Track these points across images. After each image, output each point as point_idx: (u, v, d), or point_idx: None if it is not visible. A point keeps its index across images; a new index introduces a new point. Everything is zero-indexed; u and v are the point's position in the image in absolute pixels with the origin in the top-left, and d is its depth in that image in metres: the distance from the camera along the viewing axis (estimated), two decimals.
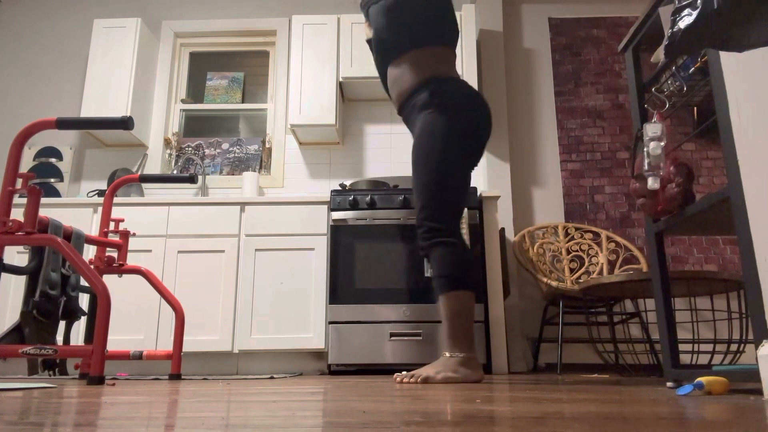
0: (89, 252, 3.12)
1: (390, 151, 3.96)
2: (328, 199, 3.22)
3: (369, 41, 2.30)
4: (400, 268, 3.04)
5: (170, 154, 4.03)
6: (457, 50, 3.70)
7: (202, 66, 4.28)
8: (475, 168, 2.22)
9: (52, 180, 3.86)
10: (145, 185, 3.86)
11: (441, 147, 1.96)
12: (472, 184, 3.85)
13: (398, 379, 1.85)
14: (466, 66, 3.64)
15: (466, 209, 3.07)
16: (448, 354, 1.86)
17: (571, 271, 3.51)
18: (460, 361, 1.83)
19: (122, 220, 2.55)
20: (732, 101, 1.25)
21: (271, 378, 2.42)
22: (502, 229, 3.53)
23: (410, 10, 2.09)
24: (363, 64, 3.71)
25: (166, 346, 3.04)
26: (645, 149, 1.54)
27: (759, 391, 1.32)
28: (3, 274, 2.90)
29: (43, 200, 3.27)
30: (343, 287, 3.02)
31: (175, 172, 3.99)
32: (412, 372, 1.85)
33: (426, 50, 2.10)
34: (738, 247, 2.24)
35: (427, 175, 1.96)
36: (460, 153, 1.99)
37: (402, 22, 2.09)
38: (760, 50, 1.15)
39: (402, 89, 2.13)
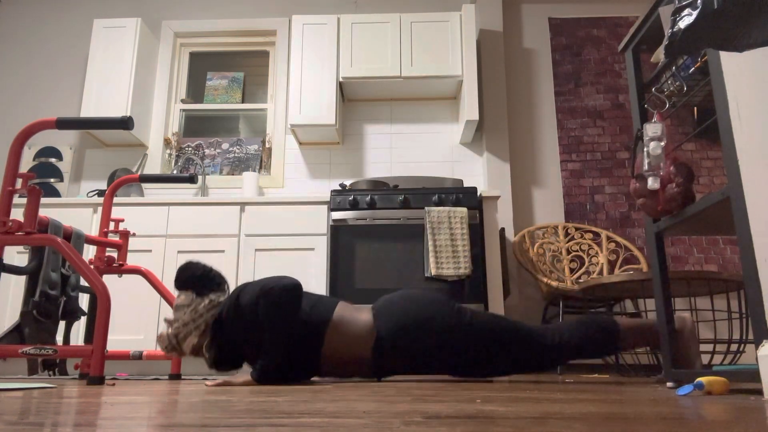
0: (89, 252, 3.12)
1: (390, 151, 3.96)
2: (328, 199, 3.22)
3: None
4: (400, 268, 3.04)
5: (170, 154, 4.03)
6: (457, 50, 3.70)
7: (202, 66, 4.28)
8: None
9: (52, 180, 3.86)
10: (145, 185, 3.85)
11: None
12: (473, 183, 3.85)
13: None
14: (466, 66, 3.64)
15: (465, 209, 3.07)
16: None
17: (571, 271, 3.51)
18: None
19: (122, 220, 2.55)
20: (732, 101, 1.25)
21: None
22: (502, 229, 3.53)
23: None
24: (363, 64, 3.71)
25: None
26: (645, 149, 1.54)
27: (759, 391, 1.32)
28: (3, 274, 2.90)
29: (43, 200, 3.27)
30: (343, 287, 3.02)
31: (175, 172, 3.99)
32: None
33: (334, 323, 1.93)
34: (738, 247, 2.24)
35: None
36: None
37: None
38: (760, 50, 1.15)
39: (351, 372, 1.97)
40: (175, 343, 1.94)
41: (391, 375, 1.99)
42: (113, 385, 1.78)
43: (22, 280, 3.07)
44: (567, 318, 3.21)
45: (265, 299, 1.81)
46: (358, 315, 1.95)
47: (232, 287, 3.13)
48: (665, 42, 0.91)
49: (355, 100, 4.04)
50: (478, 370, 1.92)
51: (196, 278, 1.99)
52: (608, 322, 1.87)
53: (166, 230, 3.21)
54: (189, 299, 1.96)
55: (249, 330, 1.86)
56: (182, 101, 4.15)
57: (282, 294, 1.82)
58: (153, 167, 3.93)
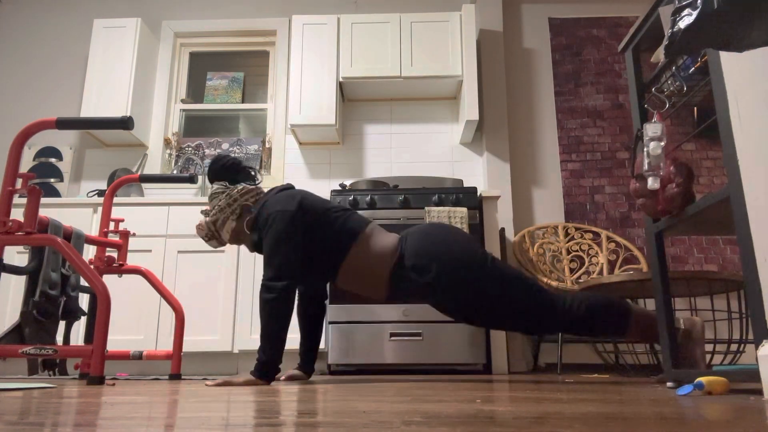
0: (89, 252, 3.12)
1: (390, 151, 3.96)
2: (328, 199, 3.22)
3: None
4: None
5: (170, 154, 4.03)
6: (457, 50, 3.70)
7: (202, 66, 4.28)
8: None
9: (52, 180, 3.86)
10: (145, 185, 3.85)
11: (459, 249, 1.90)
12: (473, 183, 3.85)
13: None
14: (466, 66, 3.64)
15: (465, 209, 3.07)
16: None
17: (571, 271, 3.51)
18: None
19: (122, 220, 2.55)
20: (732, 101, 1.25)
21: None
22: (502, 229, 3.53)
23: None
24: (363, 64, 3.71)
25: (166, 346, 3.04)
26: (645, 149, 1.54)
27: (759, 391, 1.32)
28: (3, 274, 2.90)
29: (43, 200, 3.27)
30: None
31: (175, 172, 3.99)
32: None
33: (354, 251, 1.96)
34: (738, 247, 2.24)
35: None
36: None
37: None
38: (760, 50, 1.15)
39: (366, 290, 2.00)
40: (214, 230, 2.02)
41: (402, 300, 2.00)
42: (113, 385, 1.78)
43: (22, 280, 3.07)
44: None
45: (266, 293, 1.82)
46: (386, 236, 1.99)
47: (231, 288, 3.13)
48: (665, 42, 0.91)
49: (355, 100, 4.04)
50: (485, 316, 1.89)
51: (226, 167, 2.08)
52: (623, 306, 1.87)
53: (166, 230, 3.21)
54: (222, 187, 2.05)
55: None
56: (182, 101, 4.15)
57: (282, 293, 1.82)
58: (153, 167, 3.93)
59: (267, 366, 1.80)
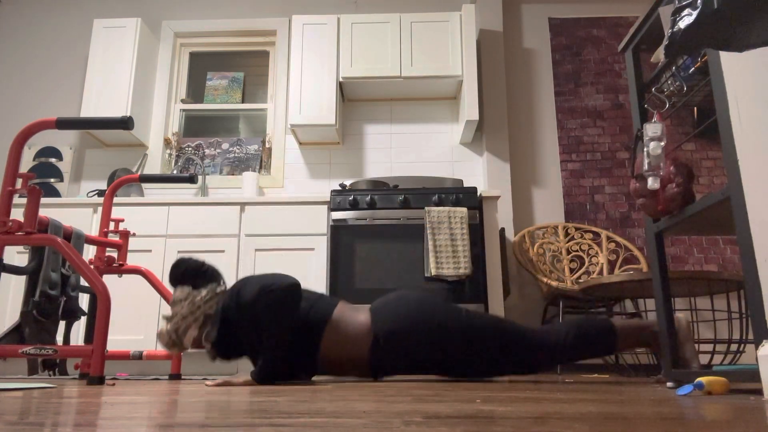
0: (89, 252, 3.12)
1: (390, 151, 3.96)
2: (328, 199, 3.22)
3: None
4: (400, 268, 3.04)
5: (170, 154, 4.03)
6: (457, 50, 3.70)
7: (202, 66, 4.28)
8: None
9: (52, 180, 3.86)
10: (145, 185, 3.85)
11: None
12: (473, 183, 3.85)
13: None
14: (466, 66, 3.64)
15: (465, 209, 3.07)
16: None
17: (571, 271, 3.51)
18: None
19: (122, 220, 2.55)
20: (732, 101, 1.25)
21: None
22: (502, 229, 3.53)
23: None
24: (363, 64, 3.71)
25: None
26: (645, 149, 1.54)
27: (759, 391, 1.32)
28: (3, 274, 2.90)
29: (43, 200, 3.27)
30: (343, 287, 3.02)
31: (175, 172, 3.99)
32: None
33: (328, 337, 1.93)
34: (738, 247, 2.24)
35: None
36: None
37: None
38: (760, 50, 1.15)
39: (348, 371, 1.98)
40: (176, 337, 1.94)
41: (389, 375, 2.00)
42: (113, 385, 1.78)
43: (22, 280, 3.07)
44: (566, 318, 3.21)
45: (265, 298, 1.81)
46: (357, 315, 1.95)
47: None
48: (665, 42, 0.91)
49: (355, 100, 4.04)
50: (474, 371, 1.93)
51: (190, 272, 1.99)
52: (604, 325, 1.88)
53: (166, 230, 3.21)
54: (185, 293, 1.96)
55: (249, 326, 1.86)
56: (182, 101, 4.15)
57: (281, 294, 1.82)
58: (153, 167, 3.93)
59: (268, 370, 1.80)
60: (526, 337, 1.87)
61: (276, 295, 1.81)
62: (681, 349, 1.78)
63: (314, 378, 2.25)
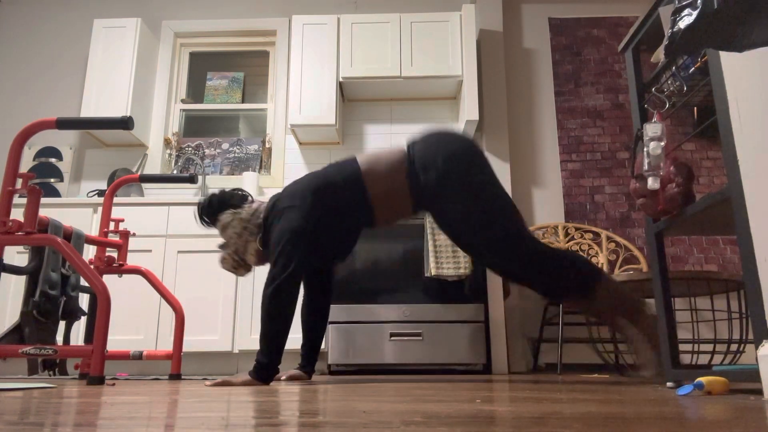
0: (89, 252, 3.12)
1: None
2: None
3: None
4: (400, 268, 3.04)
5: (170, 154, 4.03)
6: (457, 50, 3.70)
7: (202, 66, 4.28)
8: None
9: (52, 180, 3.86)
10: (145, 185, 3.85)
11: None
12: None
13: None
14: (466, 66, 3.64)
15: None
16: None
17: None
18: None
19: (122, 220, 2.55)
20: (732, 101, 1.25)
21: None
22: None
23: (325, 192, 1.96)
24: (363, 64, 3.71)
25: (166, 346, 3.04)
26: (645, 149, 1.54)
27: (759, 391, 1.32)
28: (3, 274, 2.90)
29: (43, 200, 3.27)
30: (343, 287, 3.02)
31: (175, 172, 3.99)
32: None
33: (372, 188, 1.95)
34: (738, 247, 2.24)
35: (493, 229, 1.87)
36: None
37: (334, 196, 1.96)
38: (760, 50, 1.15)
39: (400, 207, 1.99)
40: (238, 258, 2.02)
41: (430, 205, 1.96)
42: (113, 385, 1.78)
43: (22, 280, 3.07)
44: (563, 318, 3.21)
45: (267, 290, 1.83)
46: (388, 152, 1.98)
47: (231, 288, 3.13)
48: (665, 42, 0.91)
49: (355, 100, 4.04)
50: (485, 233, 1.87)
51: (220, 200, 2.09)
52: (592, 269, 1.85)
53: (166, 230, 3.21)
54: (230, 216, 2.03)
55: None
56: (182, 101, 4.15)
57: (284, 288, 1.82)
58: (153, 167, 3.93)
59: (266, 369, 1.80)
60: (521, 229, 1.87)
61: (284, 289, 1.83)
62: (637, 345, 1.77)
63: (313, 378, 2.25)
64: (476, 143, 1.98)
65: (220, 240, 3.19)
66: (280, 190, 3.87)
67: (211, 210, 2.08)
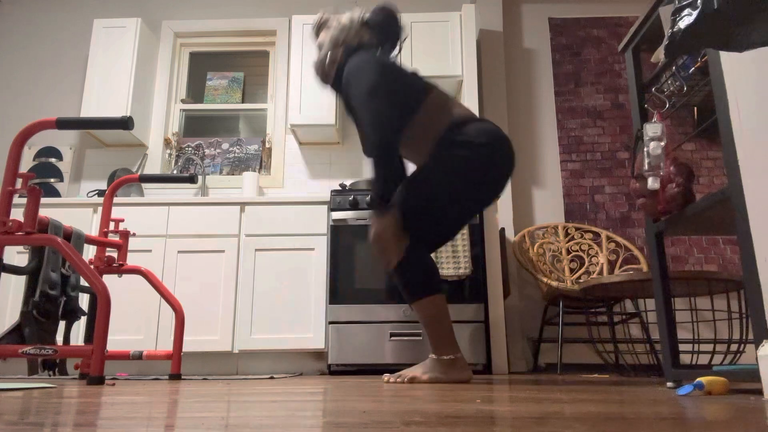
0: (89, 252, 3.12)
1: None
2: (328, 199, 3.22)
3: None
4: None
5: (170, 154, 4.03)
6: (457, 50, 3.70)
7: (202, 66, 4.28)
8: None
9: (52, 180, 3.86)
10: (145, 185, 3.85)
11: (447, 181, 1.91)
12: None
13: (386, 379, 1.89)
14: (466, 66, 3.64)
15: None
16: (434, 356, 1.87)
17: (571, 271, 3.51)
18: (447, 363, 1.84)
19: (122, 220, 2.55)
20: (732, 101, 1.25)
21: (271, 378, 2.42)
22: (502, 229, 3.53)
23: (386, 92, 1.98)
24: None
25: (166, 346, 3.04)
26: (645, 149, 1.54)
27: (759, 391, 1.32)
28: (3, 274, 2.90)
29: (43, 200, 3.27)
30: (343, 287, 3.02)
31: (175, 172, 3.99)
32: (400, 372, 1.87)
33: (424, 109, 2.00)
34: (738, 247, 2.24)
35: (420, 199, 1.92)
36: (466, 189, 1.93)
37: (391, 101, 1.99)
38: (760, 50, 1.15)
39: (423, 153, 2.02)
40: (327, 60, 2.08)
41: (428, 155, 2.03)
42: (113, 385, 1.78)
43: (22, 280, 3.07)
44: (563, 318, 3.21)
45: (378, 145, 1.85)
46: (453, 102, 2.02)
47: (231, 288, 3.13)
48: (665, 42, 0.91)
49: None
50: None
51: (387, 24, 2.12)
52: (435, 283, 1.89)
53: (166, 230, 3.21)
54: (332, 18, 2.12)
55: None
56: (182, 101, 4.15)
57: (381, 149, 1.86)
58: (153, 167, 3.93)
59: (378, 198, 1.87)
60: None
61: (385, 146, 1.86)
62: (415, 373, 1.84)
63: (313, 378, 2.24)
64: (505, 174, 1.98)
65: (219, 239, 3.19)
66: (280, 190, 3.87)
67: (381, 15, 2.12)
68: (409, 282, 1.88)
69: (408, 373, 1.84)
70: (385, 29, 2.12)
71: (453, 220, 1.96)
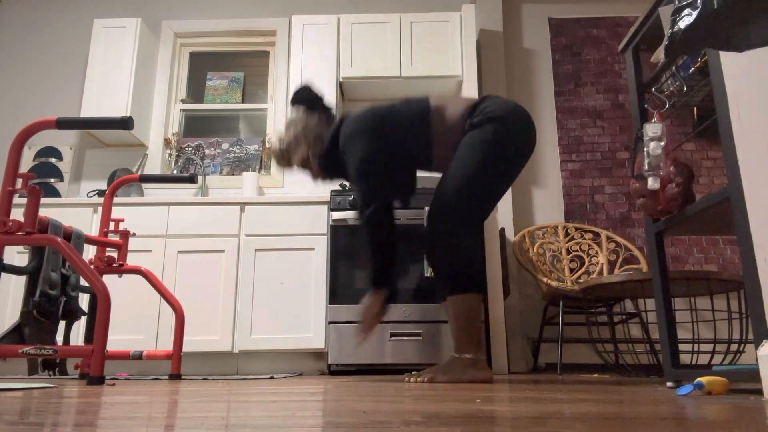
0: (89, 252, 3.12)
1: None
2: (328, 199, 3.22)
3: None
4: (400, 268, 3.04)
5: (170, 154, 4.03)
6: (457, 50, 3.70)
7: (202, 66, 4.28)
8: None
9: (52, 180, 3.86)
10: (145, 185, 3.85)
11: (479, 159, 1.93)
12: None
13: (407, 378, 1.91)
14: (466, 66, 3.64)
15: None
16: (456, 355, 1.87)
17: (571, 271, 3.51)
18: (468, 362, 1.84)
19: (122, 220, 2.55)
20: (732, 101, 1.25)
21: (271, 378, 2.42)
22: (502, 229, 3.53)
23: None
24: (363, 64, 3.71)
25: (166, 346, 3.04)
26: (645, 149, 1.54)
27: (759, 391, 1.32)
28: (3, 274, 2.90)
29: (43, 200, 3.27)
30: (343, 287, 3.02)
31: (175, 172, 3.98)
32: (421, 372, 1.87)
33: (435, 120, 2.03)
34: (738, 247, 2.24)
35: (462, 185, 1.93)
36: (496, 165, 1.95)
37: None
38: (760, 50, 1.15)
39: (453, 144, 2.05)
40: (286, 153, 2.19)
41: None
42: (113, 385, 1.78)
43: (22, 280, 3.07)
44: (563, 318, 3.21)
45: (360, 222, 2.00)
46: (460, 99, 2.07)
47: (231, 288, 3.13)
48: (665, 42, 0.91)
49: (355, 100, 4.04)
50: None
51: (312, 97, 2.22)
52: (477, 280, 1.91)
53: (166, 230, 3.21)
54: (300, 115, 2.19)
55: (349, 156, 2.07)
56: (182, 101, 4.15)
57: (371, 219, 1.96)
58: (153, 167, 3.93)
59: (376, 283, 1.98)
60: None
61: (371, 219, 1.97)
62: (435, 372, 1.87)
63: (313, 378, 2.24)
64: (530, 149, 2.01)
65: (219, 239, 3.19)
66: (280, 190, 3.87)
67: (300, 96, 2.20)
68: (455, 274, 1.88)
69: (428, 372, 1.86)
70: (319, 100, 2.23)
71: (491, 194, 1.97)
